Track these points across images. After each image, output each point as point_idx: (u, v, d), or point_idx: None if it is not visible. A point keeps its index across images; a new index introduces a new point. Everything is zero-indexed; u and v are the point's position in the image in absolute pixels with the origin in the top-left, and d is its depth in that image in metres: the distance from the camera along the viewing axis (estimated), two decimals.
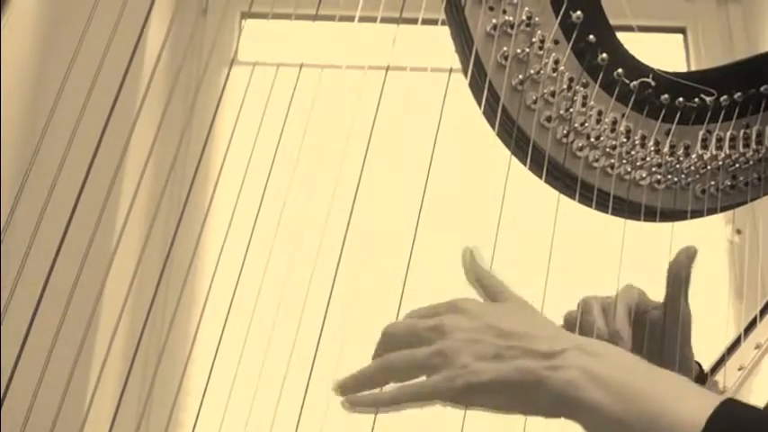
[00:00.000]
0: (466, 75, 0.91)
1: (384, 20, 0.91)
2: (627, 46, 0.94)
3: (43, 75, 1.60)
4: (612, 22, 0.95)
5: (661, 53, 2.12)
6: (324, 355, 0.79)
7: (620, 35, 0.95)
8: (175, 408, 0.90)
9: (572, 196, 0.93)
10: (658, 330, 0.90)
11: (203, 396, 0.77)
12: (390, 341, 0.69)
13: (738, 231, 1.85)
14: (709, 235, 1.77)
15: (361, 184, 0.86)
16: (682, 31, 2.15)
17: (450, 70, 0.93)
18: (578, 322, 0.90)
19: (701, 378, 0.92)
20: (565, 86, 0.92)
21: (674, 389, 0.60)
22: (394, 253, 0.88)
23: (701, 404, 0.57)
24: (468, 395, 0.64)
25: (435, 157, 0.88)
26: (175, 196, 1.47)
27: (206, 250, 0.99)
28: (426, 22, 0.92)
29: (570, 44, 0.92)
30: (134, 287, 0.78)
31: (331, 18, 0.96)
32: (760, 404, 0.80)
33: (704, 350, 0.97)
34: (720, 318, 1.14)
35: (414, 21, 0.90)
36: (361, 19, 0.93)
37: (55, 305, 0.70)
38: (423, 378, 0.66)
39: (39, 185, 0.76)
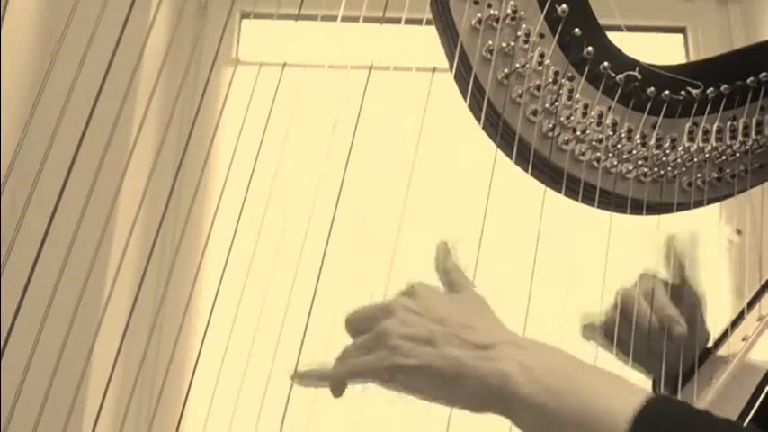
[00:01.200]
0: (451, 69, 0.91)
1: (367, 19, 0.92)
2: (626, 46, 0.94)
3: (42, 75, 1.60)
4: (611, 21, 0.95)
5: (661, 53, 2.11)
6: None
7: (620, 35, 0.95)
8: (188, 308, 0.93)
9: (558, 190, 0.93)
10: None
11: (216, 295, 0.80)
12: (349, 328, 0.69)
13: (738, 231, 1.84)
14: (709, 235, 1.76)
15: (346, 182, 0.86)
16: (682, 31, 2.14)
17: (434, 70, 0.93)
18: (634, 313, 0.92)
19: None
20: (550, 80, 0.92)
21: (606, 384, 0.60)
22: (380, 249, 0.88)
23: (632, 399, 0.56)
24: (396, 376, 0.64)
25: (420, 155, 0.88)
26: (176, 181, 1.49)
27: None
28: (409, 21, 0.92)
29: (556, 38, 0.92)
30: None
31: (313, 18, 0.96)
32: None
33: None
34: (720, 317, 1.13)
35: (397, 20, 0.90)
36: (344, 18, 0.93)
37: (70, 217, 0.73)
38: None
39: (41, 188, 0.76)
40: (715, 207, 1.01)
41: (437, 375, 0.62)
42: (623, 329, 0.92)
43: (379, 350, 0.64)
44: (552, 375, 0.60)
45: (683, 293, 0.94)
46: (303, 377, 0.69)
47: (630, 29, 2.06)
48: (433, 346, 0.63)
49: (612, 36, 0.95)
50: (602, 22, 0.94)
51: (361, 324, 0.68)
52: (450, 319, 0.65)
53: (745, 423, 0.74)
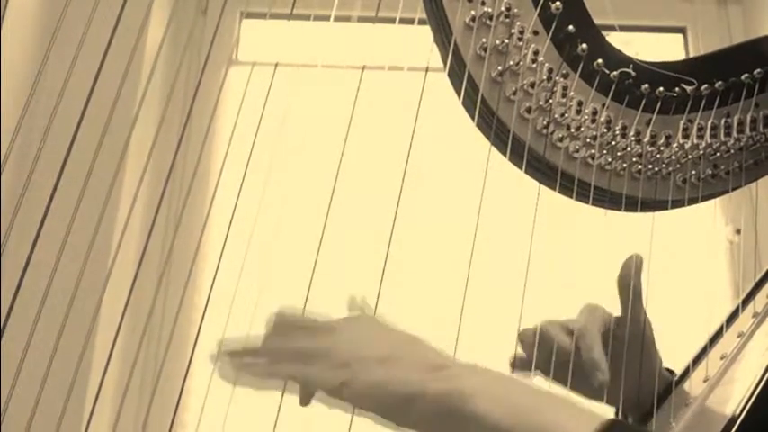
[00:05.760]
0: (445, 67, 0.90)
1: (360, 19, 0.92)
2: (626, 46, 0.94)
3: (42, 74, 1.61)
4: (606, 21, 0.94)
5: (661, 53, 2.11)
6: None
7: (620, 35, 0.95)
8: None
9: (553, 187, 0.93)
10: (620, 347, 0.90)
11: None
12: (280, 327, 0.69)
13: (738, 231, 1.83)
14: (709, 235, 1.76)
15: (340, 182, 0.87)
16: (682, 31, 2.14)
17: (427, 69, 0.93)
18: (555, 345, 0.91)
19: (669, 388, 0.90)
20: (545, 77, 0.92)
21: (562, 406, 0.60)
22: (374, 247, 0.88)
23: (589, 422, 0.56)
24: (342, 393, 0.63)
25: (413, 154, 0.88)
26: (175, 182, 1.48)
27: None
28: (403, 21, 0.92)
29: (550, 35, 0.92)
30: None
31: (306, 17, 0.96)
32: (741, 392, 0.80)
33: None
34: (721, 318, 1.13)
35: (390, 20, 0.90)
36: (337, 18, 0.93)
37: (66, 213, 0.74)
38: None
39: (38, 190, 0.76)
40: (713, 206, 1.01)
41: (390, 395, 0.61)
42: (541, 357, 0.91)
43: (328, 362, 0.63)
44: (507, 394, 0.60)
45: (630, 323, 0.92)
46: (235, 363, 0.67)
47: (631, 29, 2.06)
48: (387, 367, 0.62)
49: (613, 37, 0.95)
50: (597, 21, 0.94)
51: (295, 332, 0.68)
52: (401, 339, 0.66)
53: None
